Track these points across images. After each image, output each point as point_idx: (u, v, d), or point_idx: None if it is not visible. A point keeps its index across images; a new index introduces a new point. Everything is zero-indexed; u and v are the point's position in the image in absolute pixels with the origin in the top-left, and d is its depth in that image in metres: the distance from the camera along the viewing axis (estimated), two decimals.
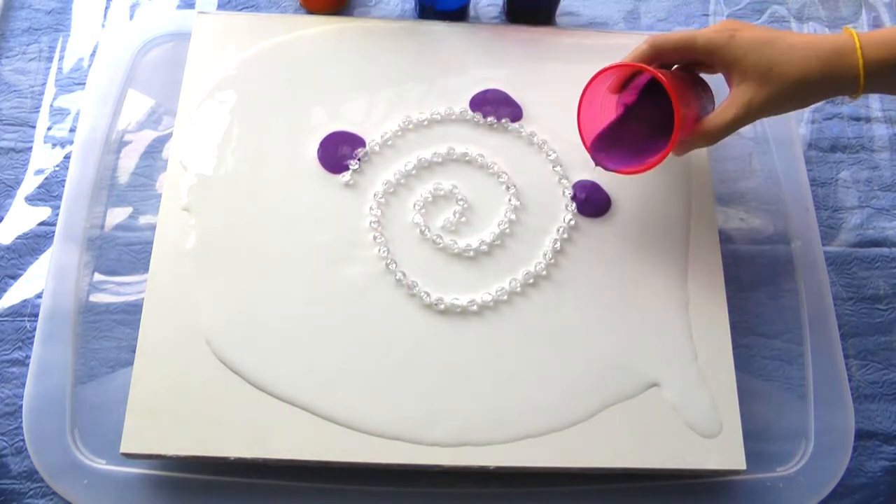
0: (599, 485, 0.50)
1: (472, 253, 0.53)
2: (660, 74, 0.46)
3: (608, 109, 0.52)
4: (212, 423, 0.47)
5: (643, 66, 0.47)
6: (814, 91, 0.46)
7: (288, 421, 0.47)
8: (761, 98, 0.46)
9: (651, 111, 0.50)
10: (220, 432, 0.47)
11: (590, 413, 0.48)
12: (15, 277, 0.55)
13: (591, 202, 0.55)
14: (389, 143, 0.56)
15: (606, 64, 0.48)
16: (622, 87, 0.51)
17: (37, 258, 0.56)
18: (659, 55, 0.49)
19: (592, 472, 0.49)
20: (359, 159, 0.55)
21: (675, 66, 0.52)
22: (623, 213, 0.55)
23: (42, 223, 0.57)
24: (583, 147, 0.51)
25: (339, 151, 0.56)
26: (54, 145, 0.60)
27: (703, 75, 0.52)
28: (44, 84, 0.62)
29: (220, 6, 0.66)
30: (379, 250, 0.52)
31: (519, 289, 0.52)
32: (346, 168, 0.55)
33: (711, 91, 0.52)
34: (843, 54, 0.45)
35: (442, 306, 0.51)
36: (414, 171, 0.56)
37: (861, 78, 0.45)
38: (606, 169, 0.51)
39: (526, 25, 0.64)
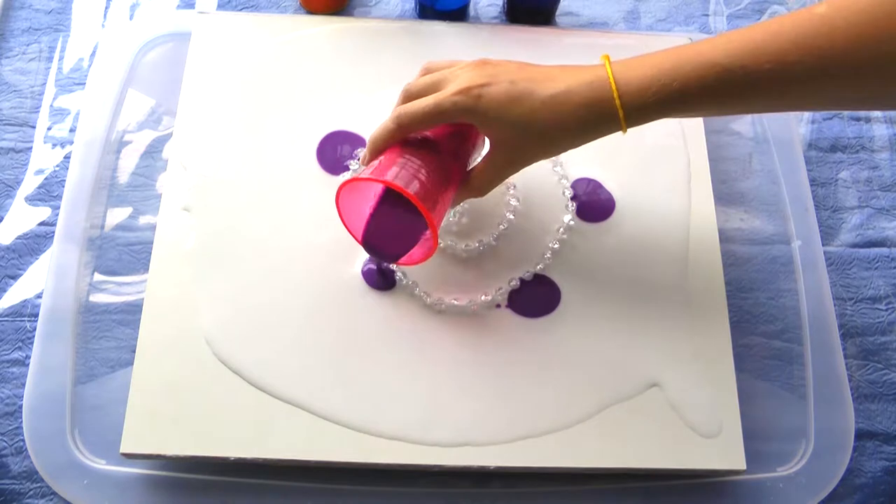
0: (599, 485, 0.50)
1: (472, 253, 0.53)
2: (396, 185, 0.43)
3: (366, 200, 0.50)
4: (212, 423, 0.47)
5: (380, 180, 0.44)
6: (576, 140, 0.45)
7: (288, 421, 0.47)
8: (521, 154, 0.46)
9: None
10: (220, 432, 0.47)
11: (590, 413, 0.48)
12: (15, 277, 0.55)
13: (594, 203, 0.55)
14: None
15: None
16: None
17: (37, 258, 0.56)
18: (407, 130, 0.46)
19: (592, 472, 0.49)
20: (359, 159, 0.55)
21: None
22: (623, 213, 0.55)
23: (42, 223, 0.57)
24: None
25: (338, 151, 0.56)
26: (54, 145, 0.60)
27: None
28: (44, 84, 0.62)
29: (220, 6, 0.66)
30: None
31: (518, 289, 0.52)
32: (344, 168, 0.55)
33: (479, 133, 0.49)
34: (600, 103, 0.43)
35: (442, 306, 0.51)
36: None
37: (622, 122, 0.43)
38: (385, 262, 0.51)
39: (526, 25, 0.64)
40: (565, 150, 0.46)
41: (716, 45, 0.41)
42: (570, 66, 0.45)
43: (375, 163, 0.46)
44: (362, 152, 0.55)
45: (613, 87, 0.42)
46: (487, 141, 0.47)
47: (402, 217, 0.48)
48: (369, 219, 0.50)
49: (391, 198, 0.49)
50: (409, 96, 0.47)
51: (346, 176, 0.55)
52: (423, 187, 0.44)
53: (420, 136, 0.47)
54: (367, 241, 0.50)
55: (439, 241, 0.53)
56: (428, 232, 0.47)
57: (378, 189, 0.50)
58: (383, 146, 0.47)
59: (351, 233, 0.50)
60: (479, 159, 0.49)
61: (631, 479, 0.50)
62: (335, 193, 0.47)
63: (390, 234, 0.50)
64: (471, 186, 0.48)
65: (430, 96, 0.45)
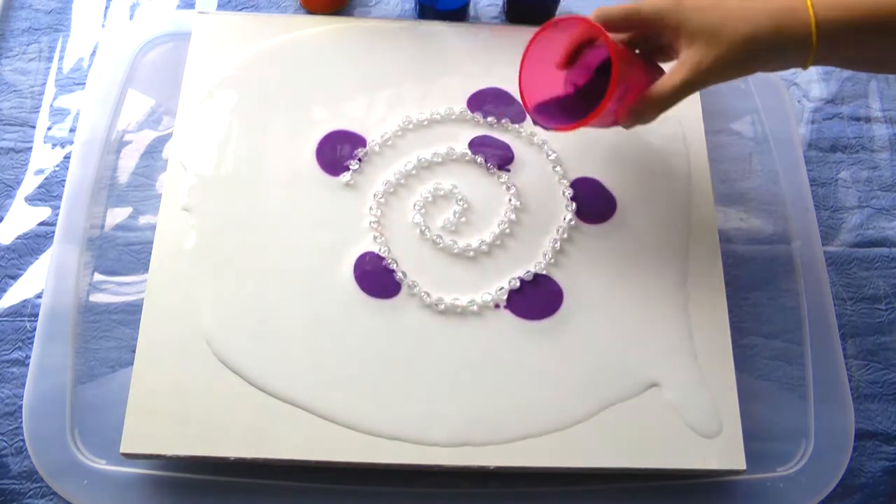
0: (599, 485, 0.50)
1: (472, 253, 0.53)
2: (606, 35, 0.44)
3: (555, 81, 0.51)
4: (212, 423, 0.47)
5: (593, 24, 0.45)
6: (764, 51, 0.44)
7: (288, 421, 0.47)
8: (711, 59, 0.44)
9: (601, 98, 0.46)
10: (220, 432, 0.47)
11: (590, 413, 0.48)
12: (15, 277, 0.55)
13: (595, 204, 0.55)
14: (389, 142, 0.56)
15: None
16: (570, 61, 0.50)
17: (37, 258, 0.56)
18: (608, 24, 0.47)
19: (592, 472, 0.49)
20: (359, 159, 0.55)
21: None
22: (623, 213, 0.55)
23: (42, 223, 0.57)
24: (538, 118, 0.49)
25: (337, 151, 0.56)
26: (54, 145, 0.60)
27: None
28: (44, 84, 0.62)
29: (220, 6, 0.66)
30: (379, 250, 0.52)
31: (519, 289, 0.52)
32: (345, 168, 0.55)
33: (664, 72, 0.49)
34: (794, 11, 0.43)
35: (442, 306, 0.51)
36: (414, 171, 0.56)
37: (813, 36, 0.43)
38: (545, 127, 0.49)
39: (526, 25, 0.64)
40: (750, 65, 0.45)
41: None
42: None
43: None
44: (362, 151, 0.56)
45: (808, 2, 0.43)
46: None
47: (585, 113, 0.47)
48: (556, 99, 0.50)
49: (591, 91, 0.49)
50: (601, 15, 0.47)
51: (346, 176, 0.55)
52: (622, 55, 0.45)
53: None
54: (536, 109, 0.50)
55: (440, 240, 0.53)
56: (594, 112, 0.46)
57: (560, 77, 0.50)
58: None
59: (522, 89, 0.49)
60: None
61: (631, 479, 0.50)
62: (536, 33, 0.47)
63: (558, 107, 0.50)
64: (652, 97, 0.46)
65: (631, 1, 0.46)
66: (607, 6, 0.47)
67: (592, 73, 0.50)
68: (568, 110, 0.50)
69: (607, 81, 0.45)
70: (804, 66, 0.45)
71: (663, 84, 0.46)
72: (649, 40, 0.49)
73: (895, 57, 0.46)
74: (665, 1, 0.46)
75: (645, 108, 0.47)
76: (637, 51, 0.49)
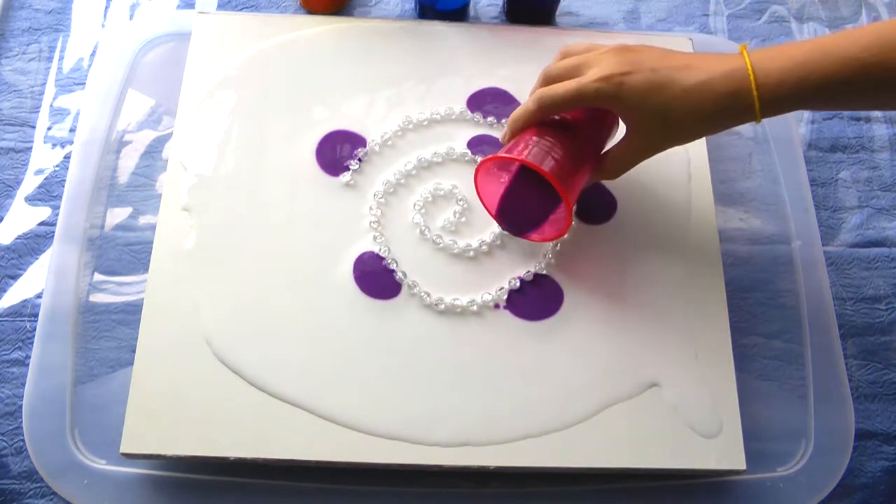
0: (599, 485, 0.50)
1: (472, 253, 0.53)
2: (531, 163, 0.46)
3: (500, 176, 0.53)
4: (212, 423, 0.47)
5: (516, 158, 0.47)
6: (711, 129, 0.47)
7: (288, 421, 0.47)
8: (659, 141, 0.47)
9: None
10: (220, 432, 0.47)
11: (590, 413, 0.48)
12: (15, 277, 0.55)
13: (596, 205, 0.55)
14: (389, 142, 0.56)
15: None
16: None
17: (37, 258, 0.56)
18: (547, 113, 0.47)
19: (592, 472, 0.49)
20: (359, 159, 0.55)
21: None
22: (623, 213, 0.55)
23: (42, 223, 0.57)
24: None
25: (337, 151, 0.56)
26: (54, 145, 0.60)
27: None
28: (44, 84, 0.62)
29: (220, 6, 0.66)
30: (379, 250, 0.52)
31: (519, 289, 0.52)
32: (345, 168, 0.55)
33: (616, 118, 0.51)
34: (738, 94, 0.44)
35: (442, 306, 0.51)
36: (414, 171, 0.56)
37: (757, 114, 0.44)
38: (515, 235, 0.53)
39: (526, 25, 0.64)
40: (699, 137, 0.48)
41: (851, 40, 0.42)
42: (709, 55, 0.46)
43: (513, 141, 0.49)
44: (362, 151, 0.56)
45: (752, 79, 0.43)
46: (623, 126, 0.48)
47: (536, 194, 0.51)
48: (504, 194, 0.52)
49: (526, 175, 0.51)
50: (548, 79, 0.48)
51: (346, 176, 0.55)
52: (558, 165, 0.47)
53: (557, 117, 0.49)
54: (501, 215, 0.52)
55: (440, 240, 0.53)
56: (561, 208, 0.50)
57: (514, 167, 0.52)
58: (522, 126, 0.49)
59: (487, 208, 0.52)
60: (613, 143, 0.50)
61: (631, 479, 0.50)
62: (474, 171, 0.50)
63: (524, 210, 0.53)
64: (605, 169, 0.50)
65: (573, 80, 0.46)
66: (548, 89, 0.47)
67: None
68: (522, 198, 0.53)
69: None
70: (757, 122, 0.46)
71: (616, 162, 0.49)
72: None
73: (848, 107, 0.47)
74: (606, 84, 0.45)
75: (599, 178, 0.51)
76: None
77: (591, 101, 0.46)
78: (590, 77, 0.45)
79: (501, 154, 0.48)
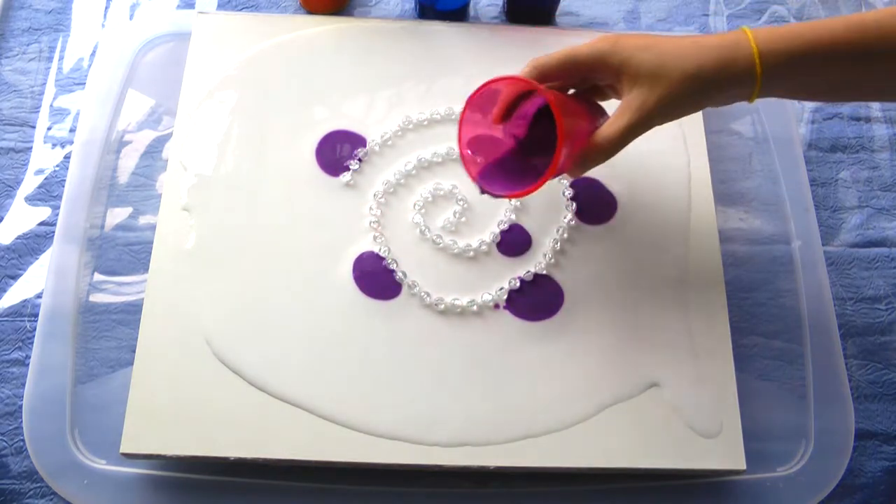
0: (599, 485, 0.50)
1: (472, 253, 0.53)
2: (542, 88, 0.42)
3: (494, 140, 0.48)
4: (212, 423, 0.47)
5: (527, 80, 0.44)
6: (708, 87, 0.43)
7: (288, 421, 0.47)
8: (655, 99, 0.43)
9: (542, 145, 0.46)
10: (220, 432, 0.47)
11: (590, 413, 0.48)
12: (15, 277, 0.55)
13: (596, 205, 0.55)
14: (389, 142, 0.56)
15: None
16: (507, 114, 0.47)
17: (37, 258, 0.56)
18: (544, 76, 0.45)
19: (592, 472, 0.49)
20: (359, 159, 0.55)
21: (570, 91, 0.49)
22: (623, 213, 0.55)
23: (42, 223, 0.57)
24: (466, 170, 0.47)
25: (337, 151, 0.56)
26: (54, 145, 0.60)
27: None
28: (44, 84, 0.62)
29: (220, 6, 0.66)
30: (379, 250, 0.52)
31: (519, 289, 0.52)
32: (344, 168, 0.55)
33: (608, 115, 0.47)
34: (737, 46, 0.42)
35: (442, 306, 0.51)
36: (414, 171, 0.56)
37: (757, 68, 0.42)
38: (492, 195, 0.46)
39: (526, 25, 0.64)
40: (696, 101, 0.44)
41: (853, 17, 0.42)
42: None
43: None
44: (362, 151, 0.56)
45: (749, 35, 0.43)
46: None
47: (529, 165, 0.47)
48: (499, 159, 0.48)
49: (531, 141, 0.47)
50: (538, 64, 0.46)
51: (346, 176, 0.55)
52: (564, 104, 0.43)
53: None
54: (483, 175, 0.47)
55: (440, 240, 0.53)
56: (543, 177, 0.43)
57: (499, 130, 0.48)
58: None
59: (463, 155, 0.47)
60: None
61: (631, 479, 0.50)
62: (471, 94, 0.45)
63: (512, 177, 0.47)
64: (597, 143, 0.45)
65: (567, 47, 0.45)
66: (543, 55, 0.45)
67: (530, 120, 0.48)
68: (512, 169, 0.48)
69: (547, 128, 0.43)
70: (750, 100, 0.44)
71: (609, 130, 0.44)
72: (587, 80, 0.47)
73: (842, 86, 0.45)
74: (601, 43, 0.44)
75: (592, 156, 0.45)
76: (573, 91, 0.48)
77: (586, 57, 0.44)
78: (584, 43, 0.45)
79: (511, 76, 0.44)
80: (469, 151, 0.47)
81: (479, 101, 0.45)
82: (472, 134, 0.47)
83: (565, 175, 0.50)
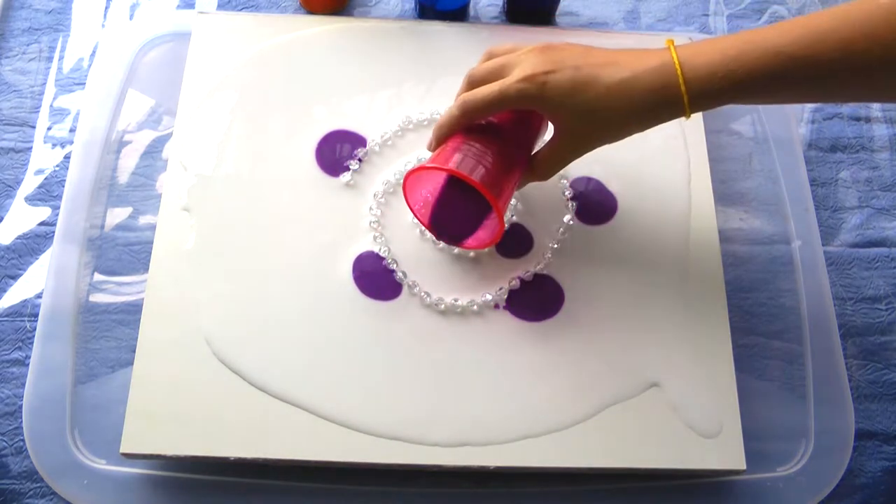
0: (599, 485, 0.50)
1: (472, 253, 0.53)
2: (461, 173, 0.45)
3: (433, 181, 0.52)
4: (212, 423, 0.47)
5: (445, 168, 0.46)
6: (639, 126, 0.45)
7: (288, 421, 0.47)
8: (586, 140, 0.46)
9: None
10: (220, 432, 0.47)
11: (590, 413, 0.48)
12: (15, 277, 0.55)
13: (596, 205, 0.55)
14: (389, 142, 0.56)
15: None
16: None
17: (37, 258, 0.56)
18: (471, 118, 0.47)
19: (592, 472, 0.49)
20: (359, 159, 0.55)
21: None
22: (623, 213, 0.55)
23: (42, 223, 0.57)
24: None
25: (337, 151, 0.56)
26: (54, 145, 0.60)
27: None
28: (44, 84, 0.62)
29: (220, 6, 0.66)
30: (379, 250, 0.52)
31: (519, 289, 0.52)
32: (344, 168, 0.55)
33: (543, 118, 0.50)
34: (666, 90, 0.43)
35: (442, 306, 0.51)
36: None
37: (686, 108, 0.43)
38: (451, 244, 0.52)
39: (526, 25, 0.64)
40: (628, 135, 0.46)
41: (781, 32, 0.41)
42: (635, 51, 0.45)
43: (440, 150, 0.48)
44: (362, 151, 0.56)
45: (679, 74, 0.42)
46: (551, 126, 0.47)
47: (467, 201, 0.50)
48: (435, 203, 0.52)
49: (457, 183, 0.49)
50: (472, 82, 0.47)
51: (346, 176, 0.55)
52: (489, 173, 0.46)
53: (484, 121, 0.48)
54: (434, 224, 0.52)
55: (440, 239, 0.53)
56: (493, 215, 0.49)
57: (442, 176, 0.51)
58: (448, 133, 0.48)
59: (417, 217, 0.52)
60: (542, 144, 0.50)
61: (631, 479, 0.50)
62: (402, 181, 0.50)
63: (456, 217, 0.52)
64: (535, 171, 0.49)
65: (495, 83, 0.45)
66: (472, 93, 0.46)
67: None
68: (455, 204, 0.52)
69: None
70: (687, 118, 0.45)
71: (545, 163, 0.48)
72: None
73: (780, 101, 0.46)
74: (529, 84, 0.44)
75: (530, 180, 0.50)
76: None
77: (515, 102, 0.45)
78: (512, 78, 0.44)
79: (429, 164, 0.47)
80: (418, 206, 0.52)
81: (412, 182, 0.50)
82: (413, 194, 0.51)
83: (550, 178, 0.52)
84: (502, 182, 0.47)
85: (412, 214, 0.52)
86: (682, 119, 0.45)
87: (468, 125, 0.47)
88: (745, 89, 0.42)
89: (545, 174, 0.49)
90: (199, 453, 0.46)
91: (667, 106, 0.43)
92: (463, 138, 0.47)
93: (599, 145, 0.47)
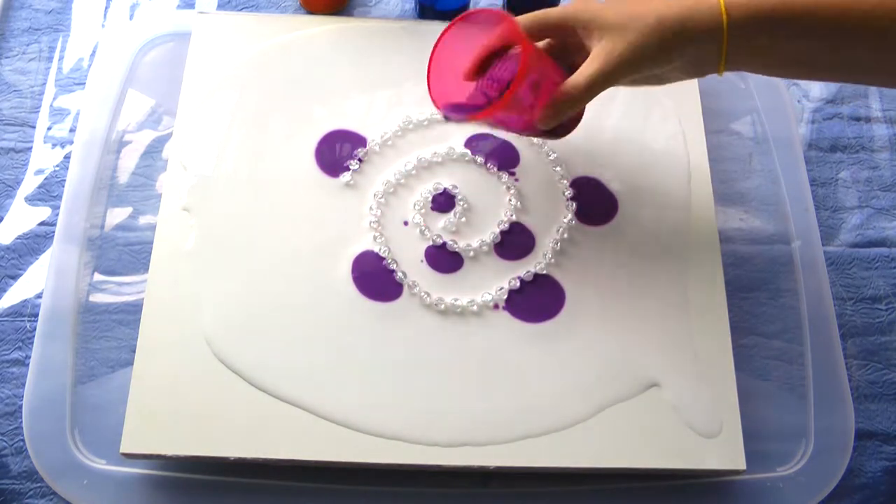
0: (599, 485, 0.50)
1: (472, 253, 0.53)
2: (514, 24, 0.44)
3: (464, 89, 0.50)
4: (212, 423, 0.47)
5: (497, 11, 0.46)
6: (674, 38, 0.44)
7: (288, 421, 0.47)
8: (622, 48, 0.44)
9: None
10: (220, 432, 0.47)
11: (590, 413, 0.48)
12: (15, 277, 0.55)
13: (596, 205, 0.55)
14: (389, 142, 0.56)
15: None
16: (480, 70, 0.49)
17: (37, 258, 0.56)
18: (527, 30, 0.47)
19: (592, 472, 0.49)
20: (359, 159, 0.55)
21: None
22: (623, 213, 0.55)
23: (42, 223, 0.57)
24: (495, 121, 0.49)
25: (337, 151, 0.56)
26: (54, 145, 0.60)
27: None
28: (44, 84, 0.62)
29: (220, 6, 0.66)
30: (379, 250, 0.52)
31: (519, 289, 0.52)
32: (344, 168, 0.55)
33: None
34: (703, 3, 0.43)
35: (442, 306, 0.51)
36: (414, 171, 0.56)
37: (724, 23, 0.43)
38: (457, 119, 0.51)
39: None
40: (662, 57, 0.45)
41: None
42: None
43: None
44: (362, 151, 0.56)
45: (723, 12, 0.43)
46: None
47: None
48: (467, 104, 0.50)
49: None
50: None
51: (346, 176, 0.55)
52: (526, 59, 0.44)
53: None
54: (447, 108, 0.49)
55: (440, 239, 0.53)
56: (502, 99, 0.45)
57: (470, 85, 0.50)
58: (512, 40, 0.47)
59: (431, 84, 0.49)
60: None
61: (631, 479, 0.50)
62: (440, 34, 0.48)
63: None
64: (568, 89, 0.46)
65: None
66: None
67: (504, 86, 0.48)
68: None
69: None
70: (719, 70, 0.45)
71: (577, 78, 0.45)
72: (555, 48, 0.49)
73: (818, 58, 0.45)
74: (571, 4, 0.46)
75: (561, 103, 0.46)
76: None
77: (557, 15, 0.46)
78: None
79: (485, 10, 0.46)
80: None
81: (452, 39, 0.47)
82: (441, 78, 0.48)
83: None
84: (537, 64, 0.46)
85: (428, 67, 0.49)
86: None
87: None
88: (784, 17, 0.42)
89: (579, 91, 0.45)
90: (199, 453, 0.46)
91: (702, 18, 0.43)
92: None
93: (631, 66, 0.45)
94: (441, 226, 0.54)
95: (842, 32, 0.43)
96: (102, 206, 0.56)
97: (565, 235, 0.54)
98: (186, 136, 0.55)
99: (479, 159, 0.56)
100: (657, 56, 0.45)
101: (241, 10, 0.66)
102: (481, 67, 0.49)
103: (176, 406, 0.47)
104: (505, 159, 0.56)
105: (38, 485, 0.49)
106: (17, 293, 0.55)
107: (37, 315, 0.52)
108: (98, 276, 0.54)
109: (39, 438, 0.49)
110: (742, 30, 0.43)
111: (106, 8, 0.66)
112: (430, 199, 0.55)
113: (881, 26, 0.42)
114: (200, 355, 0.48)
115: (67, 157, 0.59)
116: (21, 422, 0.49)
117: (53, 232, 0.55)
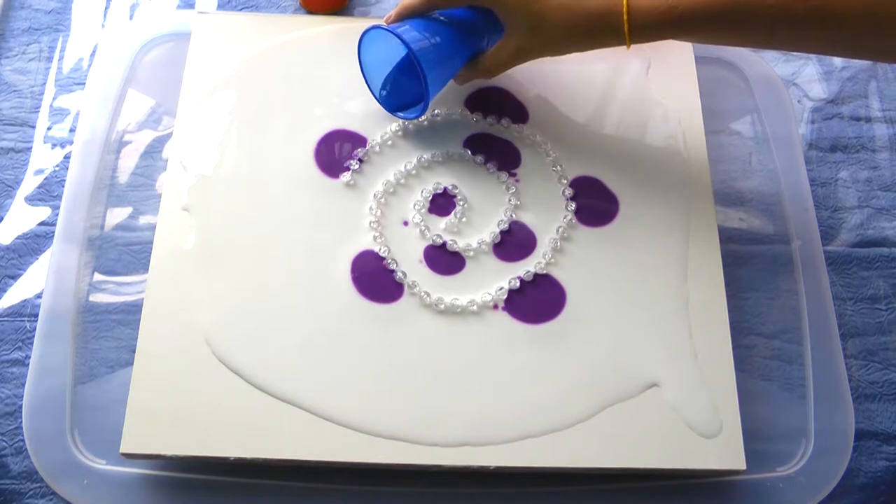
0: (599, 485, 0.50)
1: (472, 253, 0.53)
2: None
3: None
4: (212, 423, 0.47)
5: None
6: (580, 46, 0.51)
7: (288, 421, 0.47)
8: (530, 46, 0.51)
9: None
10: (220, 432, 0.47)
11: (590, 413, 0.48)
12: (15, 277, 0.55)
13: (597, 205, 0.55)
14: (390, 142, 0.56)
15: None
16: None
17: (37, 258, 0.56)
18: (435, 6, 0.52)
19: (592, 472, 0.49)
20: (359, 159, 0.55)
21: None
22: (623, 213, 0.55)
23: (42, 223, 0.57)
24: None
25: (337, 151, 0.56)
26: (54, 145, 0.60)
27: None
28: (44, 84, 0.62)
29: (220, 6, 0.66)
30: (379, 250, 0.52)
31: (518, 289, 0.52)
32: (345, 168, 0.55)
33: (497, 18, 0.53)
34: (609, 14, 0.47)
35: (442, 306, 0.51)
36: (414, 171, 0.56)
37: (626, 36, 0.48)
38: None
39: None
40: (570, 51, 0.51)
41: None
42: None
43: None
44: (362, 151, 0.56)
45: (624, 4, 0.47)
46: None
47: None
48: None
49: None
50: None
51: (346, 176, 0.55)
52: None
53: (444, 17, 0.53)
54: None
55: (440, 239, 0.53)
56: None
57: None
58: (409, 15, 0.53)
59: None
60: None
61: (631, 479, 0.50)
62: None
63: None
64: (481, 66, 0.54)
65: None
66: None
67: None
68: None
69: None
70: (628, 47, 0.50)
71: (490, 60, 0.53)
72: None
73: (720, 41, 0.49)
74: None
75: (476, 76, 0.55)
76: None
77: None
78: None
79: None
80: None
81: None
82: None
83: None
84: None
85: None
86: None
87: (429, 13, 0.53)
88: (685, 26, 0.47)
89: (490, 70, 0.54)
90: (199, 453, 0.46)
91: (609, 31, 0.48)
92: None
93: (542, 55, 0.52)
94: (441, 226, 0.54)
95: (736, 28, 0.46)
96: (102, 206, 0.56)
97: (565, 235, 0.54)
98: (186, 135, 0.55)
99: (479, 159, 0.56)
100: (561, 53, 0.52)
101: (241, 10, 0.66)
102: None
103: (176, 406, 0.47)
104: (505, 159, 0.56)
105: (38, 485, 0.49)
106: (17, 293, 0.55)
107: (37, 315, 0.52)
108: (98, 276, 0.54)
109: (39, 438, 0.49)
110: (644, 34, 0.48)
111: (106, 8, 0.66)
112: (430, 198, 0.55)
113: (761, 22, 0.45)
114: (200, 355, 0.48)
115: (67, 157, 0.59)
116: (21, 422, 0.49)
117: (53, 232, 0.55)
